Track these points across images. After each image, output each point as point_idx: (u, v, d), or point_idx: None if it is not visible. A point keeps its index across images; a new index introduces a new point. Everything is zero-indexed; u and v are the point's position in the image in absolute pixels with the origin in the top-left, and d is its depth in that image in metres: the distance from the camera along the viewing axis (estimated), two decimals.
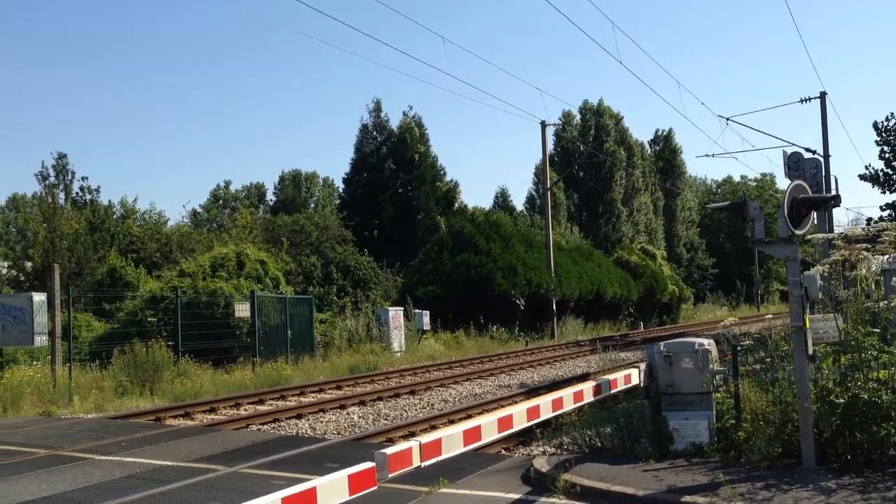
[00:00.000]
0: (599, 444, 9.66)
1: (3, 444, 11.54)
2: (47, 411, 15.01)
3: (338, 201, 60.82)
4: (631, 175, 72.09)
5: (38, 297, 17.31)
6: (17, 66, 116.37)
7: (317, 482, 4.37)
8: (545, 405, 7.05)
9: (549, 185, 43.72)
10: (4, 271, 29.69)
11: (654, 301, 53.67)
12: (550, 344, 35.21)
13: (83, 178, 40.12)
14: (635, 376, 9.21)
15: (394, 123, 53.88)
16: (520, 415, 6.56)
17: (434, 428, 12.46)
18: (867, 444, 7.97)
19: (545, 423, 10.18)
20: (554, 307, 39.59)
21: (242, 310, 23.37)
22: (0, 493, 8.50)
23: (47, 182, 38.21)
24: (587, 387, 8.26)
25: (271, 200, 72.39)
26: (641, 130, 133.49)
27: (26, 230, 33.46)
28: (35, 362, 19.28)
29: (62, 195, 38.67)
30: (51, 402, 15.56)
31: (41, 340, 17.32)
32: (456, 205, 54.26)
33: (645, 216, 73.47)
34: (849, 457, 8.08)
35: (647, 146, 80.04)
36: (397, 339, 28.90)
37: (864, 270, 8.71)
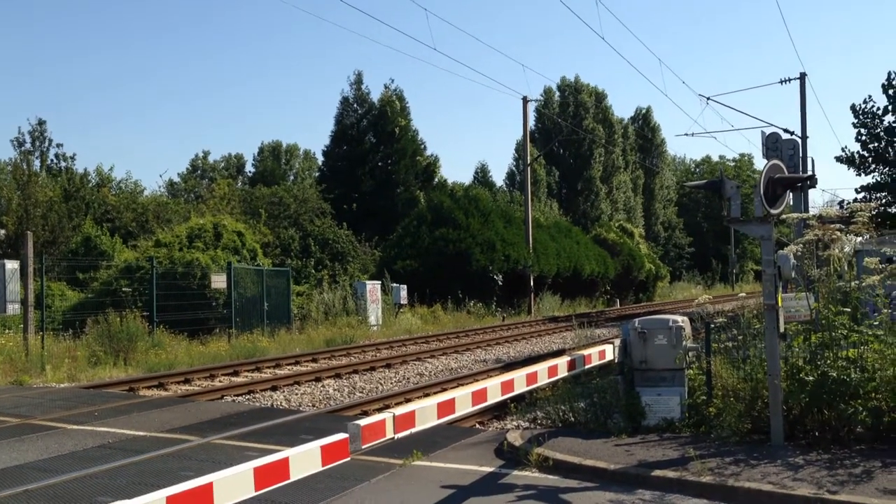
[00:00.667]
0: (573, 419, 9.74)
1: None
2: (19, 380, 14.90)
3: (317, 174, 60.48)
4: (611, 153, 72.22)
5: (11, 265, 17.15)
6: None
7: (289, 452, 4.37)
8: (519, 379, 7.09)
9: (529, 161, 43.69)
10: None
11: (631, 279, 54.03)
12: (527, 320, 35.37)
13: (59, 146, 39.63)
14: (610, 352, 9.29)
15: (375, 96, 53.56)
16: (494, 388, 6.60)
17: (409, 401, 12.50)
18: (835, 422, 8.09)
19: (519, 398, 10.27)
20: (531, 283, 39.72)
21: (219, 281, 23.24)
22: None
23: (23, 149, 37.64)
24: (562, 362, 8.32)
25: (250, 172, 71.83)
26: (623, 108, 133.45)
27: None
28: (7, 331, 19.10)
29: (37, 162, 38.13)
30: (23, 370, 15.44)
31: (13, 309, 17.18)
32: (436, 179, 54.13)
33: (624, 194, 73.72)
34: (816, 433, 8.21)
35: (628, 124, 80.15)
36: (374, 313, 28.90)
37: (836, 251, 8.80)
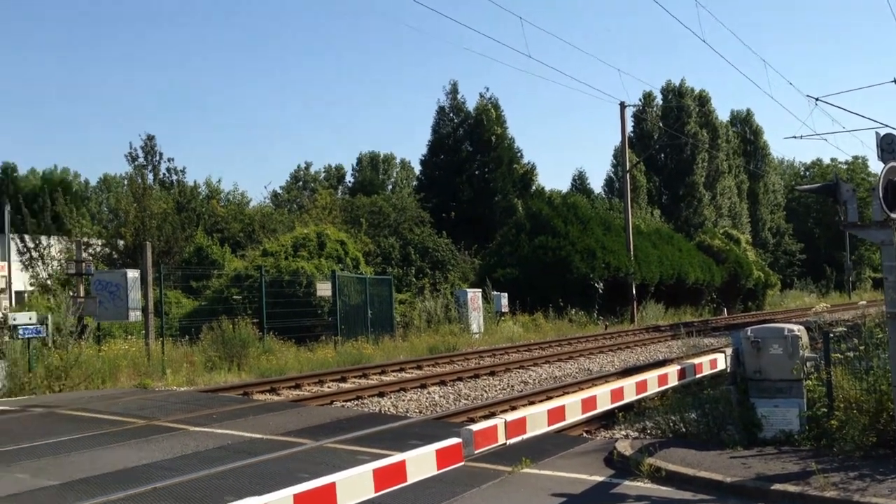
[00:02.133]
0: (684, 429, 9.55)
1: (104, 413, 12.09)
2: (142, 383, 15.64)
3: (415, 183, 61.20)
4: (714, 157, 70.40)
5: (132, 274, 18.01)
6: (108, 51, 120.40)
7: (406, 455, 4.47)
8: (629, 387, 7.02)
9: (628, 168, 43.08)
10: (98, 249, 30.90)
11: (739, 287, 52.40)
12: (630, 328, 34.83)
13: (170, 160, 41.28)
14: (721, 361, 9.06)
15: (471, 105, 53.86)
16: (604, 396, 6.56)
17: (514, 409, 12.50)
18: None
19: (627, 407, 10.13)
20: (634, 291, 39.10)
21: (324, 289, 23.81)
22: (104, 460, 8.93)
23: (136, 163, 39.43)
24: (672, 370, 8.18)
25: (350, 182, 73.36)
26: (726, 111, 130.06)
27: (118, 210, 34.68)
28: (129, 336, 20.09)
29: (150, 176, 39.89)
30: (146, 374, 16.20)
31: (135, 315, 18.03)
32: (533, 187, 54.02)
33: (728, 199, 71.73)
34: None
35: (728, 126, 77.95)
36: (476, 321, 29.02)
37: None
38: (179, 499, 7.29)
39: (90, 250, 29.08)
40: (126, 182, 41.21)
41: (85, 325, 17.21)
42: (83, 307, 17.32)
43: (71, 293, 19.30)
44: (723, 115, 78.13)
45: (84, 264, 18.99)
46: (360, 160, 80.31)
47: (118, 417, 11.72)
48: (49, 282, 28.16)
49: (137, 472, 8.37)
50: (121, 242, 30.63)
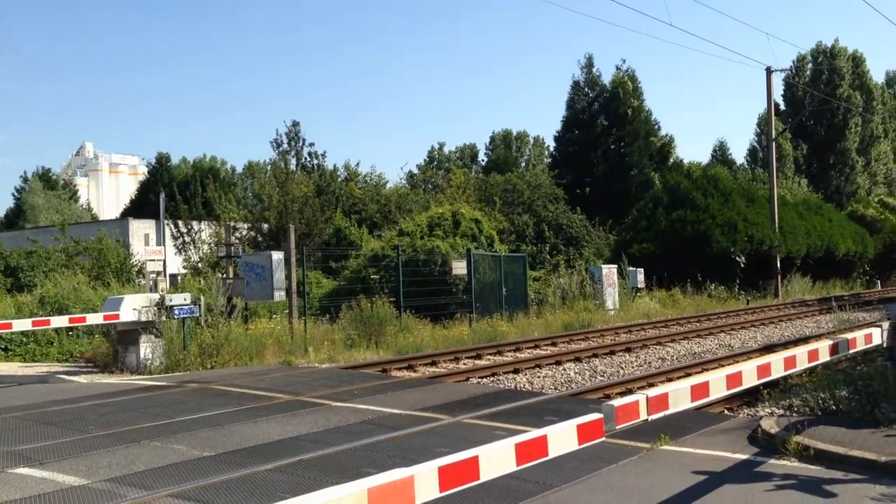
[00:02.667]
0: (834, 406, 9.10)
1: (252, 389, 12.73)
2: (287, 360, 16.33)
3: (549, 159, 60.75)
4: (869, 121, 66.16)
5: (277, 256, 18.77)
6: (250, 42, 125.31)
7: (547, 430, 4.47)
8: (777, 363, 6.73)
9: (774, 136, 41.10)
10: (244, 233, 32.39)
11: (895, 258, 49.23)
12: (774, 303, 33.41)
13: (311, 144, 42.69)
14: (877, 336, 8.56)
15: (606, 79, 52.84)
16: (749, 372, 6.32)
17: (651, 385, 12.27)
18: None
19: (772, 384, 9.76)
20: (778, 265, 37.41)
21: (459, 267, 24.04)
22: (252, 433, 9.41)
23: (281, 149, 40.98)
24: (823, 346, 7.78)
25: (483, 160, 73.58)
26: (882, 73, 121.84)
27: (262, 195, 36.23)
28: (274, 316, 21.00)
29: (293, 161, 41.40)
30: (289, 352, 16.90)
31: (279, 296, 18.78)
32: (671, 160, 52.58)
33: (884, 166, 67.32)
34: None
35: (885, 88, 72.99)
36: (611, 297, 28.60)
37: None
38: (324, 470, 7.59)
39: (237, 234, 30.53)
40: (269, 168, 42.91)
41: (234, 305, 18.10)
42: (232, 288, 18.21)
43: (221, 275, 20.35)
44: (879, 77, 73.32)
45: (233, 247, 19.93)
46: (493, 138, 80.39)
47: (265, 393, 12.30)
48: (200, 264, 29.77)
49: (284, 444, 8.77)
50: (265, 226, 32.00)
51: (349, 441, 8.74)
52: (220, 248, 21.73)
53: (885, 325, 8.75)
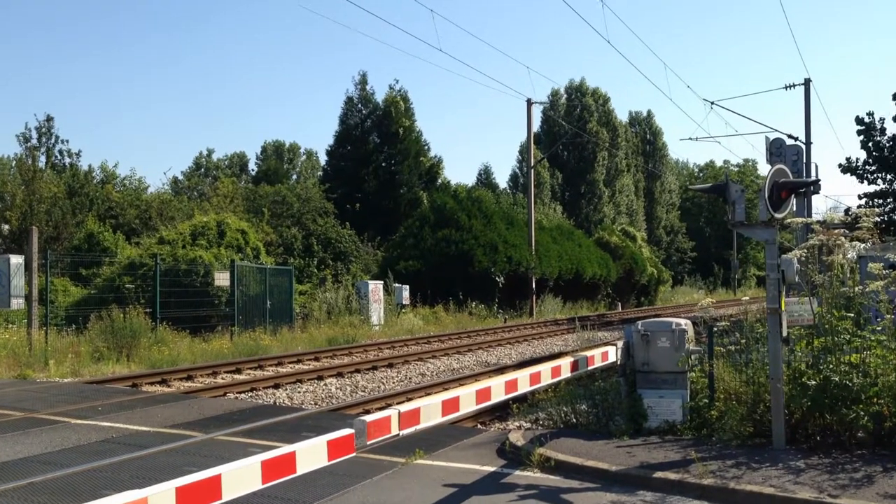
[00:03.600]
0: (575, 420, 9.77)
1: None
2: (23, 374, 14.95)
3: (320, 173, 60.56)
4: (614, 156, 72.28)
5: (16, 260, 17.18)
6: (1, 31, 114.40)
7: (296, 446, 4.40)
8: (523, 379, 7.11)
9: (532, 164, 43.72)
10: None
11: (633, 282, 54.04)
12: (529, 322, 35.38)
13: (64, 142, 39.71)
14: (612, 354, 9.30)
15: (379, 97, 53.62)
16: (498, 387, 6.62)
17: (410, 400, 12.52)
18: (836, 426, 8.11)
19: (521, 399, 10.29)
20: (533, 285, 39.75)
21: (222, 279, 23.28)
22: None
23: (29, 144, 37.68)
24: (565, 363, 8.34)
25: (253, 170, 71.95)
26: (628, 112, 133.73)
27: (3, 193, 33.06)
28: (10, 325, 19.17)
29: (43, 158, 38.20)
30: (26, 365, 15.49)
31: (17, 304, 17.20)
32: (439, 180, 54.21)
33: (626, 197, 73.79)
34: (818, 438, 8.23)
35: (628, 127, 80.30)
36: (376, 313, 28.94)
37: (839, 256, 8.83)
38: (57, 493, 7.00)
39: None
40: (14, 164, 39.28)
41: None
42: None
43: None
44: (625, 116, 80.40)
45: None
46: (264, 149, 78.83)
47: None
48: None
49: (12, 466, 7.99)
50: (5, 227, 29.22)
51: (88, 461, 8.12)
52: None
53: (620, 343, 9.53)
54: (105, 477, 7.57)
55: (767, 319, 8.26)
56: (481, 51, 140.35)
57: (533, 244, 40.45)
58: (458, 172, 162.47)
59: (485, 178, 70.69)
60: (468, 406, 6.25)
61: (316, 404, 13.49)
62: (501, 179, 72.05)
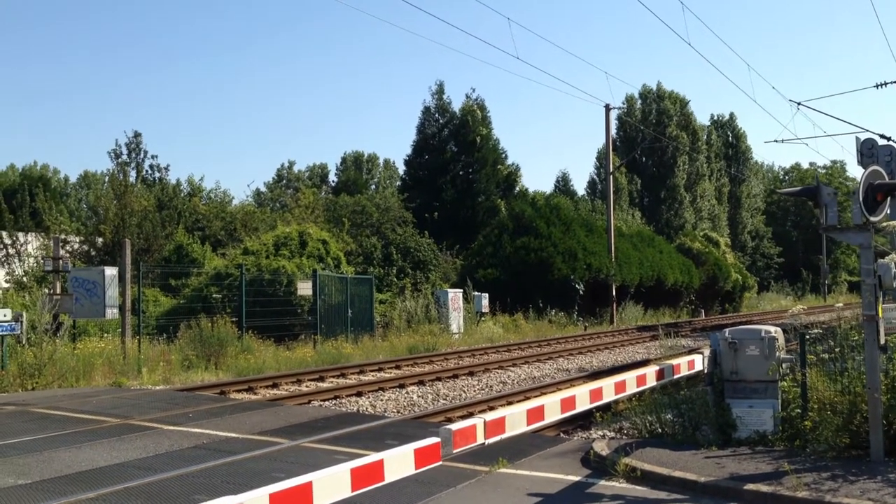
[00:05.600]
0: (660, 429, 9.58)
1: (77, 412, 11.96)
2: (117, 382, 15.49)
3: (399, 183, 61.15)
4: (695, 160, 70.84)
5: (110, 272, 17.84)
6: (89, 49, 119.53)
7: (384, 455, 4.45)
8: (608, 387, 7.03)
9: (611, 170, 43.23)
10: (76, 246, 30.61)
11: (717, 289, 52.75)
12: (609, 329, 34.93)
13: (153, 157, 40.96)
14: (699, 362, 9.11)
15: (456, 106, 53.86)
16: (583, 396, 6.57)
17: (492, 409, 12.49)
18: None
19: (605, 408, 10.16)
20: (613, 293, 39.23)
21: (304, 288, 23.69)
22: (75, 459, 8.83)
23: (120, 160, 39.08)
24: (650, 371, 8.21)
25: (333, 181, 73.14)
26: (709, 115, 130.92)
27: (97, 207, 34.36)
28: (105, 334, 19.90)
29: (133, 173, 39.57)
30: (121, 373, 16.04)
31: (112, 313, 17.86)
32: (516, 188, 54.06)
33: (708, 202, 72.20)
34: None
35: (712, 130, 78.54)
36: (456, 321, 29.00)
37: None
38: (152, 498, 7.22)
39: (68, 247, 28.80)
40: (107, 179, 40.81)
41: (60, 322, 17.02)
42: (59, 304, 17.12)
43: (47, 290, 19.09)
44: (706, 119, 78.76)
45: (61, 261, 18.74)
46: (343, 160, 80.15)
47: (91, 416, 11.59)
48: (25, 279, 27.85)
49: (109, 471, 8.28)
50: (99, 240, 30.36)
51: (181, 467, 8.37)
52: (46, 261, 20.40)
53: (707, 351, 9.31)
54: (197, 482, 7.78)
55: (864, 326, 7.95)
56: (559, 57, 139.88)
57: (613, 251, 39.94)
58: (536, 180, 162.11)
59: (563, 185, 70.21)
60: (553, 415, 6.21)
61: (398, 412, 13.59)
62: (579, 186, 71.34)
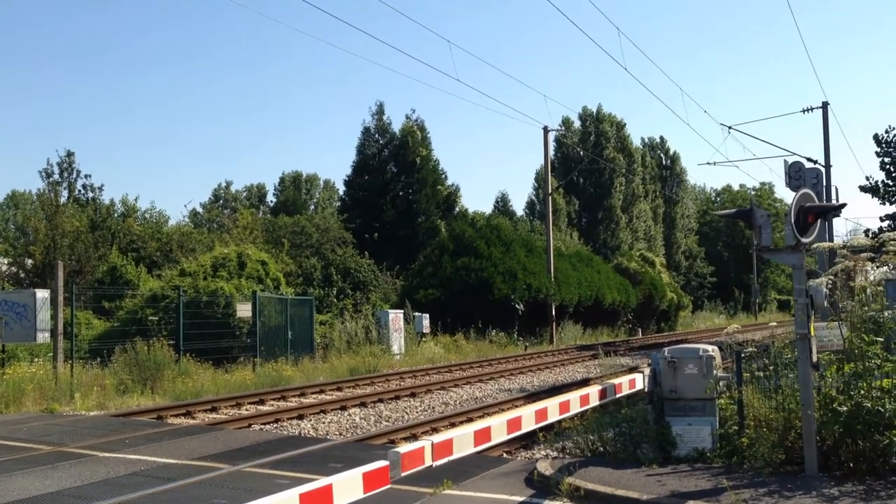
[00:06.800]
0: (602, 448, 9.69)
1: (7, 439, 11.56)
2: (49, 408, 15.03)
3: (338, 203, 60.86)
4: (631, 182, 72.20)
5: (41, 294, 17.35)
6: (19, 65, 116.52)
7: (333, 479, 4.41)
8: (553, 408, 7.10)
9: (549, 191, 43.79)
10: (4, 268, 29.67)
11: (653, 308, 53.73)
12: (549, 349, 35.23)
13: (86, 176, 40.05)
14: (640, 381, 9.27)
15: (396, 126, 53.97)
16: (528, 417, 6.62)
17: (436, 430, 12.50)
18: (869, 452, 8.02)
19: (548, 427, 10.24)
20: (553, 312, 39.62)
21: (244, 310, 23.38)
22: (6, 488, 8.53)
23: (51, 179, 38.09)
24: (593, 390, 8.32)
25: (272, 201, 72.44)
26: (646, 137, 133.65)
27: (27, 227, 33.37)
28: (36, 359, 19.29)
29: (65, 193, 38.59)
30: (53, 399, 15.57)
31: (43, 337, 17.35)
32: (457, 209, 54.32)
33: (644, 223, 73.57)
34: (851, 464, 8.13)
35: (646, 152, 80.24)
36: (397, 342, 28.92)
37: (860, 280, 8.77)
38: None
39: None
40: (36, 198, 39.69)
41: None
42: None
43: None
44: (637, 141, 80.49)
45: None
46: (282, 179, 79.40)
47: (23, 443, 11.22)
48: None
49: (42, 500, 8.03)
50: (29, 261, 29.47)
51: (118, 495, 8.15)
52: None
53: (647, 370, 9.48)
54: None
55: (797, 344, 8.20)
56: (498, 80, 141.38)
57: (552, 271, 40.38)
58: (476, 200, 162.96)
59: (502, 205, 70.73)
60: (499, 436, 6.25)
61: (341, 434, 13.48)
62: (518, 207, 71.88)
